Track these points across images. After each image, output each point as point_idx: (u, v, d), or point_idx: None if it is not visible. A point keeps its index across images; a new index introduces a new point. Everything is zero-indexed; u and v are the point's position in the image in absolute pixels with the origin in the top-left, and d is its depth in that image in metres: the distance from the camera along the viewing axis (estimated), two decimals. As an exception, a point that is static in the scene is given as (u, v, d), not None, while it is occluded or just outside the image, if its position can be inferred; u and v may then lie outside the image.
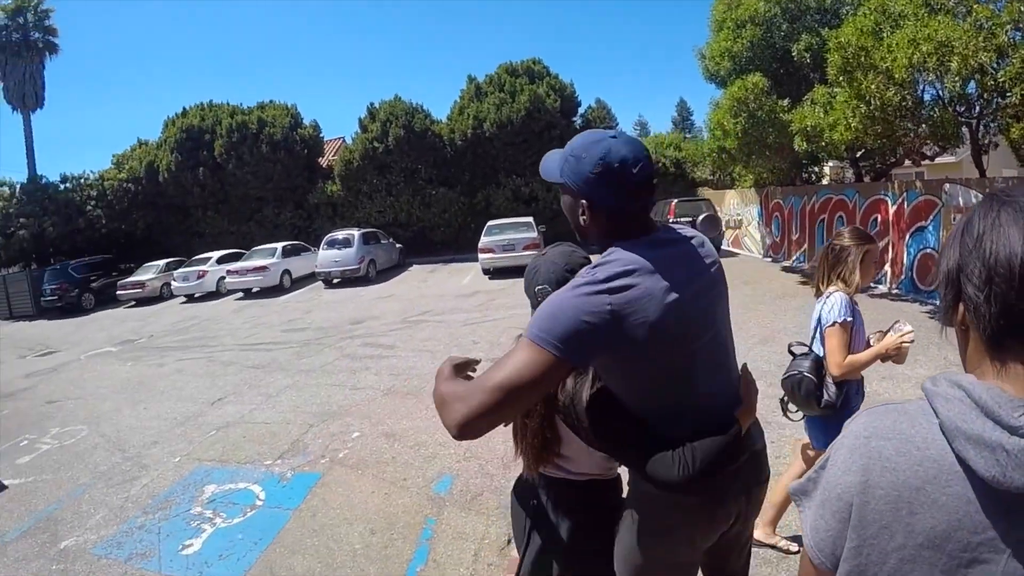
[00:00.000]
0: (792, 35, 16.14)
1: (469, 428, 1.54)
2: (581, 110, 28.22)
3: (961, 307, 0.98)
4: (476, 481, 4.89)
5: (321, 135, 28.88)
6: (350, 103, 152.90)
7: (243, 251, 22.30)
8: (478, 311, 13.04)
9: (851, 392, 3.16)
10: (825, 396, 3.09)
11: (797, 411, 3.34)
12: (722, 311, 1.75)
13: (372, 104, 27.01)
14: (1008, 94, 10.30)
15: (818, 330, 3.16)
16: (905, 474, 0.93)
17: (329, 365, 9.30)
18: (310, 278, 21.52)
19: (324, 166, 28.46)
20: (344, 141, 30.93)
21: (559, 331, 1.50)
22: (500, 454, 5.23)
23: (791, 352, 3.29)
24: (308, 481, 5.11)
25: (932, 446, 0.93)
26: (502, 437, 5.51)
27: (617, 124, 28.43)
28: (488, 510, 4.44)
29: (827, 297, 3.09)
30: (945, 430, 0.91)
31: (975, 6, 10.44)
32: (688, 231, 1.79)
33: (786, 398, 3.31)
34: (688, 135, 45.42)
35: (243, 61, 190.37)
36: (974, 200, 10.48)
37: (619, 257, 1.59)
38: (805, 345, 3.27)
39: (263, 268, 19.67)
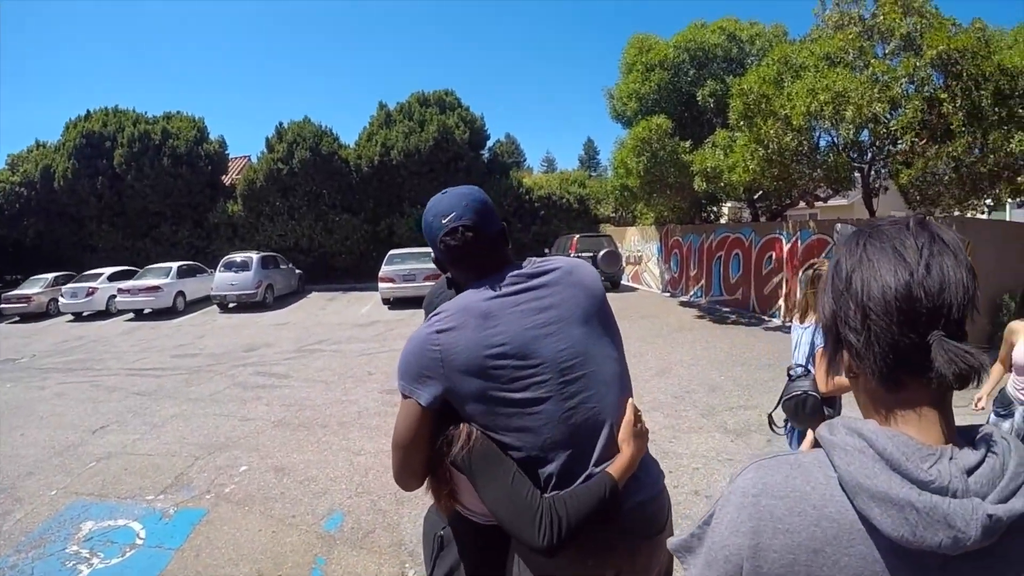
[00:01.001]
0: (698, 81, 17.02)
1: (403, 486, 1.79)
2: (490, 143, 28.68)
3: (845, 354, 0.93)
4: (368, 518, 4.89)
5: (226, 152, 28.35)
6: (258, 121, 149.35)
7: (136, 269, 21.53)
8: (376, 341, 13.04)
9: (838, 406, 3.50)
10: (827, 410, 3.34)
11: (781, 428, 3.67)
12: (583, 346, 1.71)
13: (280, 124, 26.77)
14: (899, 142, 11.19)
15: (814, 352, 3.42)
16: (801, 536, 0.85)
17: (219, 394, 9.11)
18: (205, 301, 20.97)
19: (227, 184, 27.77)
20: (249, 160, 30.33)
21: (409, 374, 1.69)
22: (393, 490, 5.24)
23: (789, 375, 3.50)
24: (192, 518, 4.99)
25: (830, 504, 0.85)
26: (392, 476, 5.58)
27: (525, 159, 29.09)
28: (380, 548, 4.45)
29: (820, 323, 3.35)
30: (845, 486, 0.83)
31: (872, 61, 11.37)
32: (552, 263, 1.83)
33: (784, 418, 3.53)
34: (594, 173, 46.86)
35: (152, 66, 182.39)
36: None
37: (454, 302, 1.74)
38: (802, 366, 3.48)
39: (156, 288, 18.99)
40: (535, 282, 1.75)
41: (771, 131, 11.83)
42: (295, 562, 4.31)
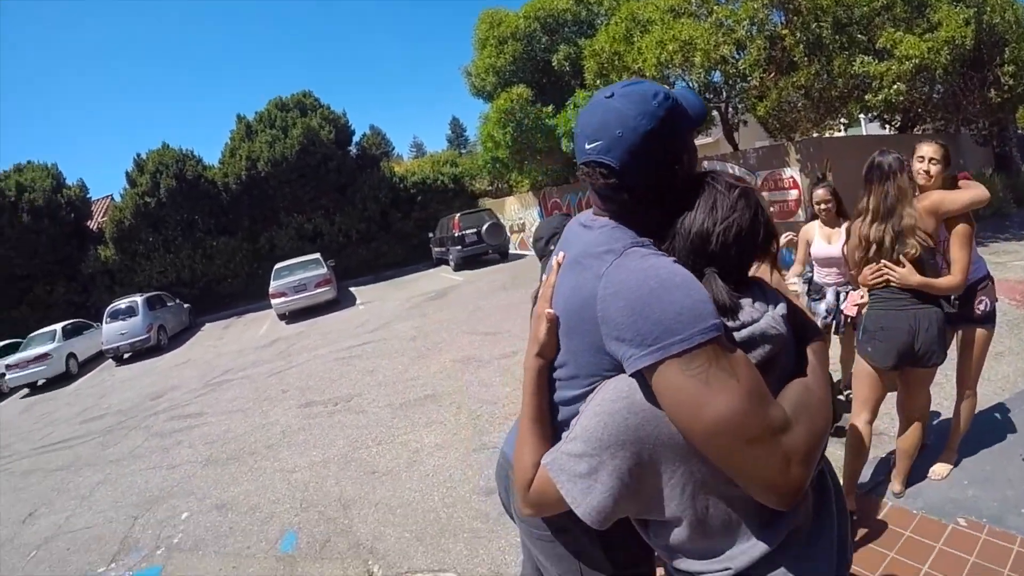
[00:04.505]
0: (551, 47, 17.77)
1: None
2: (356, 138, 28.38)
3: None
4: (320, 529, 5.11)
5: (88, 195, 26.70)
6: (115, 157, 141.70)
7: (19, 340, 20.14)
8: (281, 359, 13.06)
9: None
10: None
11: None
12: None
13: (139, 155, 25.49)
14: (749, 78, 12.01)
15: None
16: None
17: (138, 448, 9.00)
18: (99, 358, 20.16)
19: (94, 229, 26.39)
20: (112, 199, 28.88)
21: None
22: (335, 496, 5.57)
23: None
24: (149, 576, 5.11)
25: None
26: (335, 479, 5.85)
27: (393, 148, 29.09)
28: (340, 554, 4.65)
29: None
30: None
31: (715, 8, 12.16)
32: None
33: None
34: (464, 150, 47.23)
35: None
36: (730, 170, 12.17)
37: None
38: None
39: (45, 356, 17.87)
40: None
41: (627, 85, 12.47)
42: (261, 590, 4.46)
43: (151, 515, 6.35)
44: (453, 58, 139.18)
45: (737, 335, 1.24)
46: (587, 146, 1.37)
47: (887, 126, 17.30)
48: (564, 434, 1.41)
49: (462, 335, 11.35)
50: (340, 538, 4.91)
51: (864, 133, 21.02)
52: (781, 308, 1.34)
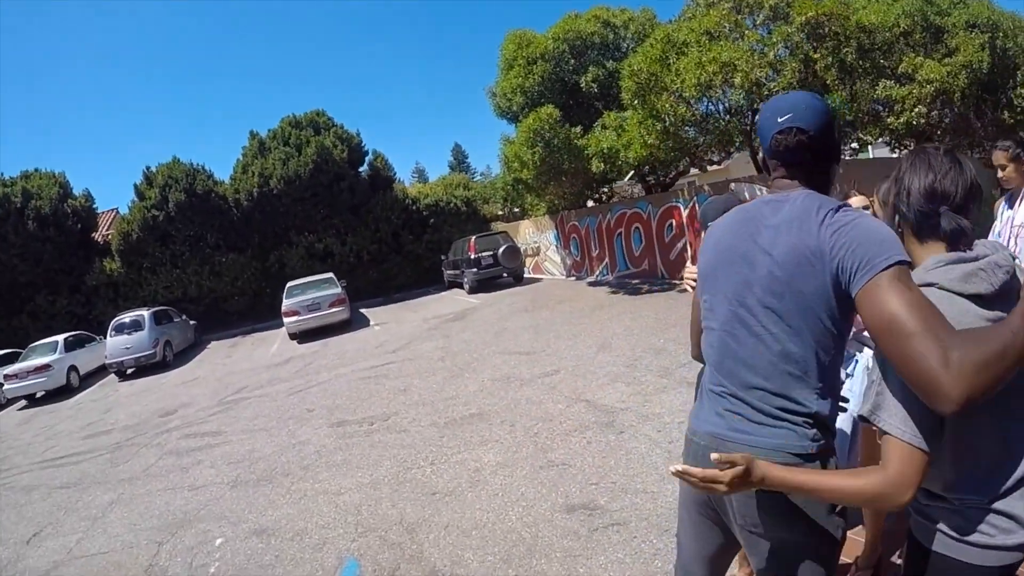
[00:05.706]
0: (579, 69, 17.88)
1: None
2: (368, 159, 27.94)
3: (897, 219, 1.70)
4: (385, 555, 4.43)
5: (94, 206, 26.03)
6: (122, 169, 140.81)
7: (19, 350, 19.34)
8: (300, 378, 12.38)
9: None
10: None
11: None
12: None
13: (148, 168, 25.04)
14: None
15: None
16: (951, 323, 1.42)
17: (153, 467, 8.21)
18: (101, 372, 19.38)
19: (100, 241, 25.77)
20: (118, 212, 28.44)
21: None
22: (398, 519, 4.92)
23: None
24: (181, 609, 4.39)
25: (954, 302, 1.49)
26: (391, 501, 5.19)
27: (395, 173, 28.65)
28: (412, 584, 4.02)
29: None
30: (951, 288, 1.51)
31: (747, 32, 12.44)
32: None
33: None
34: (469, 177, 47.46)
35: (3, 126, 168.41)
36: (759, 193, 11.90)
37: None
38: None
39: (46, 367, 17.01)
40: None
41: (666, 105, 12.61)
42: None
43: (178, 541, 5.58)
44: (457, 86, 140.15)
45: (979, 263, 1.51)
46: (779, 119, 1.74)
47: (897, 150, 17.49)
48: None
49: (494, 355, 10.75)
50: (412, 565, 4.23)
51: (871, 157, 21.10)
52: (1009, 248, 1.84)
